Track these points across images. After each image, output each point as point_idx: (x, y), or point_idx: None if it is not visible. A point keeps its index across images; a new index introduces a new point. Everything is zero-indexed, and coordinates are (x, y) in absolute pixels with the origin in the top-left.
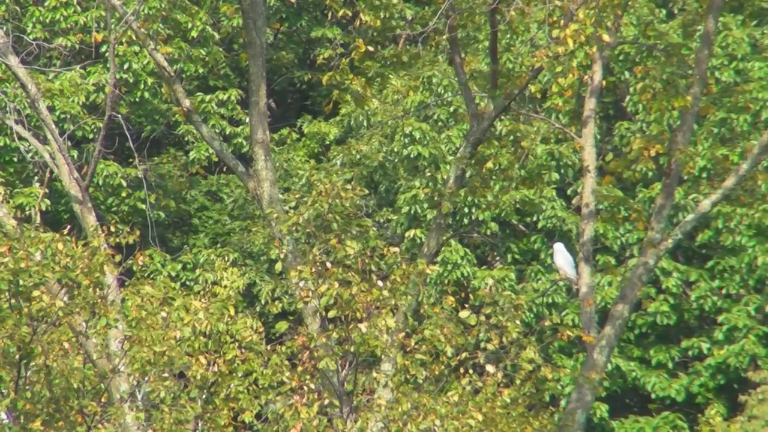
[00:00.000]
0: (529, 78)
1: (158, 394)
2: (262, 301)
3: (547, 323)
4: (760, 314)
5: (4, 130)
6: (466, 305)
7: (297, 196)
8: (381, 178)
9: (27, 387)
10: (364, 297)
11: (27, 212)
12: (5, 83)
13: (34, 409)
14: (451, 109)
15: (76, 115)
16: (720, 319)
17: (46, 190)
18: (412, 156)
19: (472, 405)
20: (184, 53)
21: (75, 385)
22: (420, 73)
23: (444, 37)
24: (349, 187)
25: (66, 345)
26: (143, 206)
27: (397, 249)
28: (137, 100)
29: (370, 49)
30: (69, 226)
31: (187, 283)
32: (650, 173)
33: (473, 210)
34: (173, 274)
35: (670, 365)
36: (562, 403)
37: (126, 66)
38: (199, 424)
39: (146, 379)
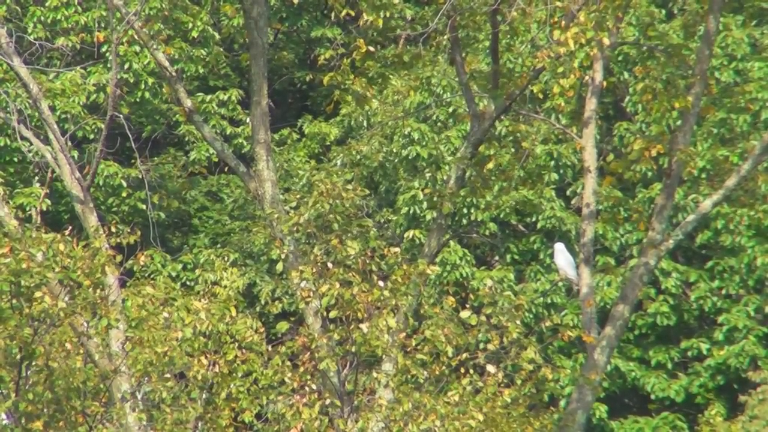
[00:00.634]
0: (530, 78)
1: (159, 394)
2: (262, 302)
3: (547, 324)
4: (759, 315)
5: (5, 131)
6: (467, 305)
7: (298, 196)
8: (381, 179)
9: (28, 388)
10: (365, 297)
11: (27, 212)
12: (6, 83)
13: (35, 410)
14: (450, 109)
15: (77, 115)
16: (720, 319)
17: (47, 191)
18: (410, 157)
19: (473, 405)
20: (185, 53)
21: (75, 386)
22: (420, 74)
23: (445, 37)
24: (350, 187)
25: (68, 346)
26: (143, 206)
27: (398, 249)
28: (137, 100)
29: (371, 49)
30: (70, 227)
31: (188, 283)
32: (650, 173)
33: (472, 210)
34: (173, 274)
35: (670, 366)
36: (562, 403)
37: (126, 66)
38: (199, 425)
39: (146, 379)
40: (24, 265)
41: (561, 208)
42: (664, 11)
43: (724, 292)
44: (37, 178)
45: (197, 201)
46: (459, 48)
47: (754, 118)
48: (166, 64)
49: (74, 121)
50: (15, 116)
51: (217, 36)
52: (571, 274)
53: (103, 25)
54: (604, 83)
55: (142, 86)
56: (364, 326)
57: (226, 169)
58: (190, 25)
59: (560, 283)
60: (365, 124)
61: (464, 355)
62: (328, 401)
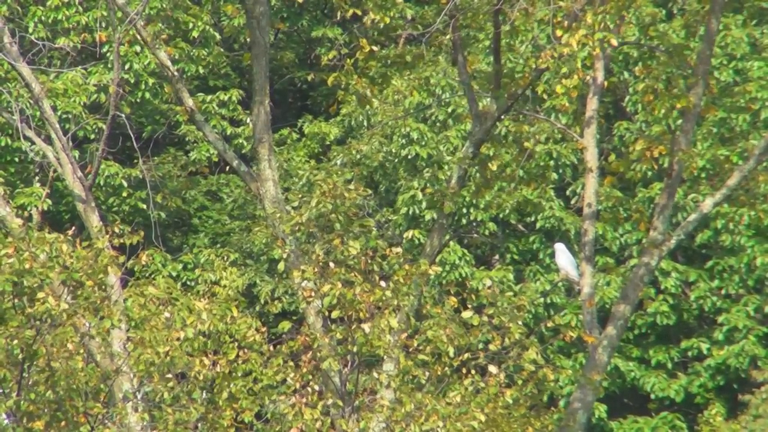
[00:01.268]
0: (532, 78)
1: (160, 394)
2: (262, 301)
3: (549, 324)
4: (759, 314)
5: (5, 131)
6: (469, 306)
7: (300, 196)
8: (381, 178)
9: (30, 388)
10: (366, 297)
11: (28, 212)
12: (8, 82)
13: (36, 410)
14: (450, 109)
15: (78, 115)
16: (720, 319)
17: (47, 191)
18: (410, 157)
19: (475, 406)
20: (185, 53)
21: (77, 386)
22: (419, 73)
23: (447, 37)
24: (352, 187)
25: (70, 346)
26: (144, 206)
27: (399, 249)
28: (138, 100)
29: (375, 48)
30: (73, 227)
31: (188, 283)
32: (649, 173)
33: (471, 210)
34: (174, 274)
35: (670, 365)
36: (561, 403)
37: (127, 66)
38: (199, 425)
39: (146, 379)
40: (27, 265)
41: (560, 207)
42: (664, 11)
43: (723, 291)
44: (37, 177)
45: (197, 201)
46: (461, 48)
47: (754, 117)
48: (168, 63)
49: (75, 122)
50: (17, 116)
51: (218, 36)
52: (572, 274)
53: (104, 24)
54: (605, 83)
55: (143, 86)
56: (366, 326)
57: (227, 169)
58: (191, 25)
59: (560, 284)
60: (365, 123)
61: (466, 356)
62: (330, 401)
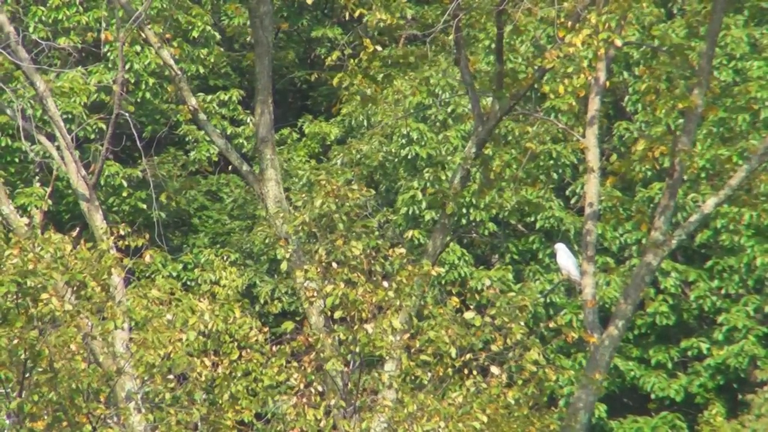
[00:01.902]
0: (535, 78)
1: (162, 395)
2: (261, 301)
3: (551, 325)
4: (759, 314)
5: (6, 131)
6: (471, 306)
7: (303, 195)
8: (381, 178)
9: (33, 389)
10: (369, 298)
11: (29, 212)
12: (12, 82)
13: (39, 411)
14: (449, 109)
15: (78, 115)
16: (719, 319)
17: (47, 189)
18: (410, 157)
19: (477, 406)
20: (185, 53)
21: (76, 386)
22: (421, 73)
23: (450, 37)
24: (355, 187)
25: (72, 347)
26: (144, 206)
27: (402, 250)
28: (138, 100)
29: (379, 48)
30: (78, 229)
31: (188, 283)
32: (649, 173)
33: (471, 210)
34: (174, 273)
35: (670, 365)
36: (561, 402)
37: (127, 66)
38: (199, 424)
39: (148, 380)
40: (30, 266)
41: (560, 207)
42: (663, 11)
43: (723, 291)
44: (37, 177)
45: (197, 200)
46: (464, 48)
47: (753, 117)
48: (171, 62)
49: (75, 122)
50: (19, 114)
51: (218, 36)
52: (574, 274)
53: (104, 24)
54: (608, 83)
55: (143, 86)
56: (368, 327)
57: (229, 168)
58: (191, 25)
59: (561, 284)
60: (365, 123)
61: (468, 356)
62: (332, 401)
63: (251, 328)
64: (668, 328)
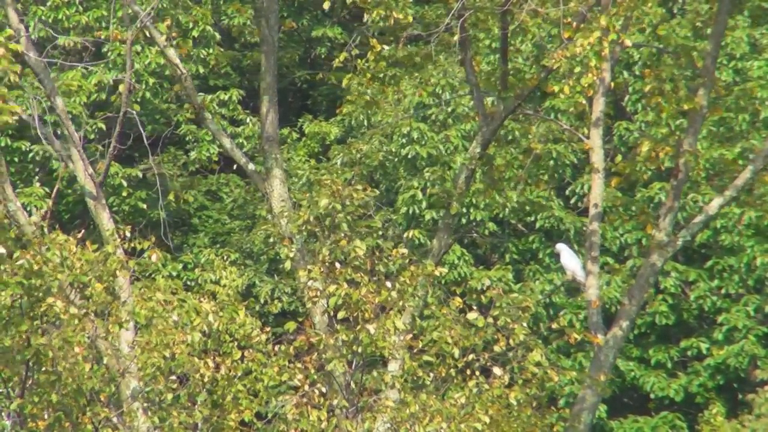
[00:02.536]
0: (540, 79)
1: (164, 396)
2: (261, 301)
3: (554, 326)
4: (759, 314)
5: (6, 131)
6: (473, 307)
7: (307, 195)
8: (381, 178)
9: (35, 389)
10: (372, 298)
11: (29, 212)
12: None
13: (40, 412)
14: (449, 109)
15: (78, 115)
16: (719, 319)
17: (47, 190)
18: (410, 156)
19: (479, 407)
20: (191, 52)
21: (77, 387)
22: (426, 72)
23: (455, 37)
24: (359, 187)
25: (77, 349)
26: (144, 206)
27: (405, 250)
28: (138, 100)
29: (385, 47)
30: (82, 230)
31: (188, 283)
32: (649, 173)
33: (471, 210)
34: (174, 273)
35: (669, 365)
36: (561, 402)
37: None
38: (199, 425)
39: (150, 380)
40: (36, 267)
41: (560, 207)
42: (664, 11)
43: (723, 291)
44: (37, 177)
45: (197, 200)
46: (469, 48)
47: (753, 117)
48: (177, 61)
49: (76, 121)
50: (35, 110)
51: (218, 36)
52: (580, 274)
53: (104, 24)
54: (612, 84)
55: (143, 86)
56: (371, 327)
57: (234, 167)
58: (191, 24)
59: (558, 283)
60: (365, 123)
61: (470, 357)
62: (335, 401)
63: (253, 329)
64: (668, 327)
